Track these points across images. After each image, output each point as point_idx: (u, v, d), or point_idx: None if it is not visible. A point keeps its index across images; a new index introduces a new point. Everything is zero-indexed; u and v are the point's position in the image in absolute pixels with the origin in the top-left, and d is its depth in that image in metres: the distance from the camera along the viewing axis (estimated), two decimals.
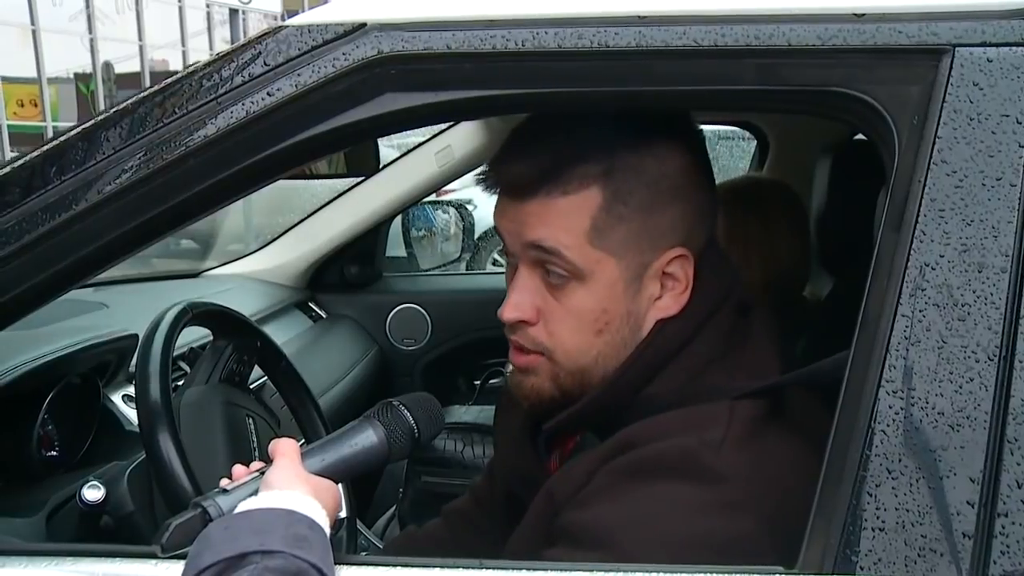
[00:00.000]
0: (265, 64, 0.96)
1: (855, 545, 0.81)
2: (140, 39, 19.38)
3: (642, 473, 0.96)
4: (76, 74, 18.31)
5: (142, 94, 1.00)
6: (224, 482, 0.95)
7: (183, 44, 20.82)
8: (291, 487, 0.89)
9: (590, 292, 1.03)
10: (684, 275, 1.05)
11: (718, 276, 1.08)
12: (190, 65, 1.04)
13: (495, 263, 7.82)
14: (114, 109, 1.00)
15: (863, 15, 0.88)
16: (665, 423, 0.99)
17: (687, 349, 1.05)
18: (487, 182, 1.07)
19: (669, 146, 1.04)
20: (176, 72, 1.02)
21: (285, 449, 0.95)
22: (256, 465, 0.97)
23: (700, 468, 0.94)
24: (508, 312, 1.06)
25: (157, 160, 0.96)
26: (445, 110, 0.99)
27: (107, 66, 18.03)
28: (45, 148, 1.01)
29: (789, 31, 0.89)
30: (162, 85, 1.00)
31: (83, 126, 1.00)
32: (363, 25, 0.94)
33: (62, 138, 1.00)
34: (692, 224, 1.06)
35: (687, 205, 1.05)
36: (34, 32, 16.45)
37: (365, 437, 0.99)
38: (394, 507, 2.28)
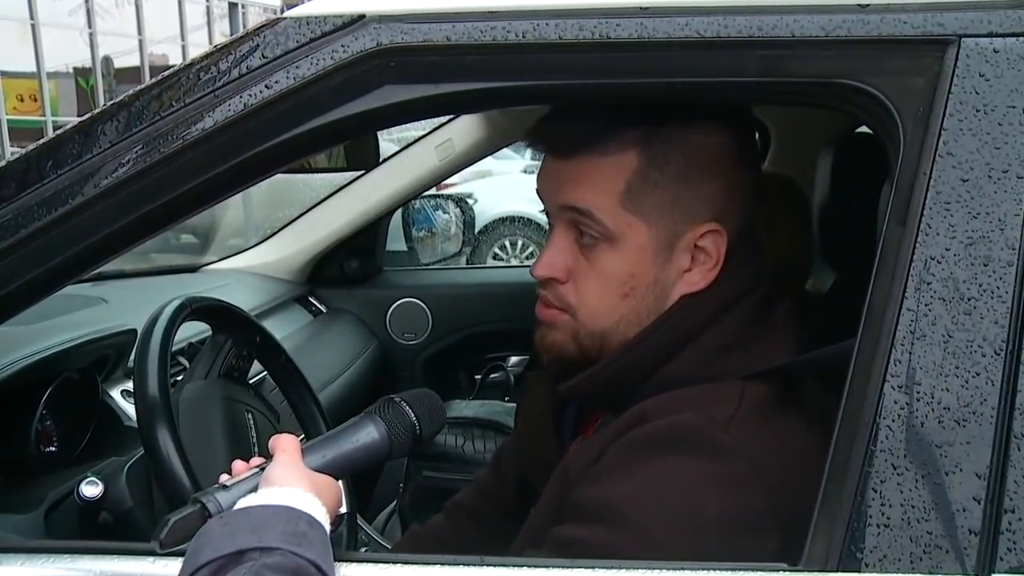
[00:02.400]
0: (263, 56, 0.95)
1: (860, 541, 0.80)
2: (140, 33, 19.36)
3: (651, 447, 0.97)
4: (75, 69, 18.30)
5: (139, 87, 0.99)
6: (224, 478, 0.94)
7: (183, 38, 20.79)
8: (291, 484, 0.88)
9: (619, 255, 1.05)
10: (716, 251, 1.06)
11: (749, 263, 1.09)
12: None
13: (495, 257, 7.83)
14: (111, 102, 0.99)
15: (868, 5, 0.88)
16: (677, 399, 1.00)
17: (708, 331, 1.05)
18: (534, 142, 1.10)
19: (714, 121, 1.06)
20: (175, 66, 1.01)
21: (286, 445, 0.94)
22: (256, 461, 0.97)
23: (708, 443, 0.95)
24: (540, 269, 1.09)
25: (155, 154, 0.95)
26: (445, 103, 0.98)
27: (106, 61, 18.01)
28: (42, 142, 1.00)
29: (793, 22, 0.88)
30: (159, 78, 0.99)
31: (80, 120, 0.99)
32: (362, 17, 0.93)
33: (59, 132, 1.00)
34: (728, 201, 1.07)
35: (724, 181, 1.06)
36: (33, 27, 16.43)
37: (366, 433, 0.99)
38: (394, 502, 2.27)
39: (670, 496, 0.95)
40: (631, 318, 1.07)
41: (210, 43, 20.82)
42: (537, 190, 1.11)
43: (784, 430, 0.99)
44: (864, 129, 1.76)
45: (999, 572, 0.78)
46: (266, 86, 0.94)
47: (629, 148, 1.03)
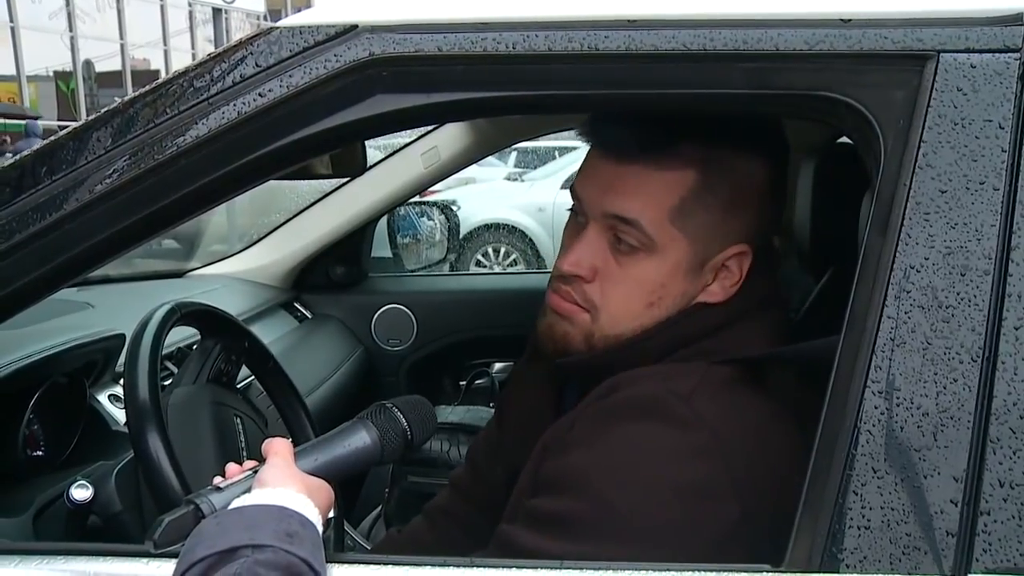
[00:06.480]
0: (256, 65, 0.96)
1: (841, 543, 0.82)
2: (121, 37, 19.27)
3: (611, 415, 1.00)
4: (56, 72, 18.20)
5: (133, 95, 1.00)
6: (218, 480, 0.95)
7: (165, 43, 20.70)
8: (284, 485, 0.89)
9: (656, 266, 1.06)
10: (739, 269, 1.09)
11: (765, 277, 1.12)
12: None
13: (478, 264, 7.84)
14: (105, 109, 1.00)
15: (850, 20, 0.90)
16: (642, 373, 1.03)
17: (707, 339, 1.07)
18: (588, 134, 1.10)
19: (760, 153, 1.08)
20: (157, 71, 1.02)
21: (279, 448, 0.95)
22: (249, 464, 0.98)
23: (667, 412, 0.98)
24: (567, 265, 1.08)
25: (148, 160, 0.96)
26: (436, 112, 1.00)
27: (87, 64, 17.93)
28: (37, 148, 1.01)
29: (777, 36, 0.90)
30: (153, 85, 1.00)
31: (74, 126, 1.00)
32: (354, 27, 0.95)
33: (54, 138, 1.00)
34: (759, 228, 1.10)
35: (761, 212, 1.10)
36: (13, 29, 16.35)
37: (359, 438, 1.00)
38: (380, 507, 2.27)
39: (629, 463, 0.97)
40: (650, 326, 1.08)
41: (192, 48, 20.79)
42: (573, 187, 1.11)
43: (744, 404, 1.01)
44: (844, 140, 1.79)
45: (975, 573, 0.80)
46: (259, 94, 0.95)
47: (688, 166, 1.04)
